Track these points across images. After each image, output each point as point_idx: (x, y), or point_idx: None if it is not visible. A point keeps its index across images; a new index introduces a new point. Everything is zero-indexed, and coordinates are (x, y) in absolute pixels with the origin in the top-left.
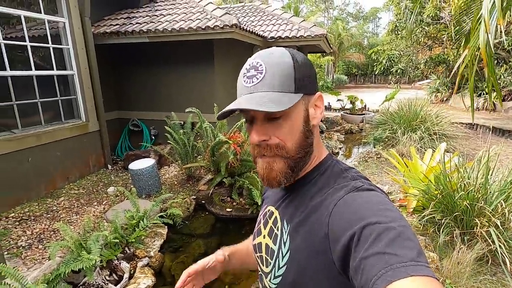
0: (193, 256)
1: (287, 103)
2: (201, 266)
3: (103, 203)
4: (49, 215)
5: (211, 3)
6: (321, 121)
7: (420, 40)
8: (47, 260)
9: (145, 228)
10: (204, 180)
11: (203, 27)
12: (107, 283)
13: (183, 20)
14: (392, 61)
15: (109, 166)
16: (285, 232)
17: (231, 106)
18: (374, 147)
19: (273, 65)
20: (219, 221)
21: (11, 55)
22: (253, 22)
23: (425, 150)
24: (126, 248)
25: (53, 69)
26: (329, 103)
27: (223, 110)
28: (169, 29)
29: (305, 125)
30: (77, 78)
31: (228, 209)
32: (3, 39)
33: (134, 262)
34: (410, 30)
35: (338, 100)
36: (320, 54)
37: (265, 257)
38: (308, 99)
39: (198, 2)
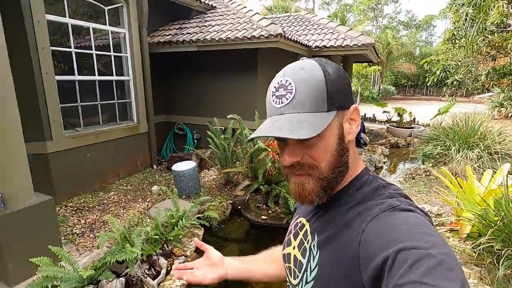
0: None
1: (319, 126)
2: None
3: (147, 200)
4: (100, 207)
5: (258, 13)
6: (365, 132)
7: (481, 49)
8: (96, 249)
9: (183, 228)
10: (242, 186)
11: (249, 36)
12: (146, 277)
13: (230, 30)
14: (448, 72)
15: (154, 166)
16: (315, 247)
17: (261, 133)
18: (423, 164)
19: (303, 82)
20: (254, 227)
21: (79, 62)
22: (298, 31)
23: (484, 170)
24: (165, 245)
25: (112, 75)
26: (374, 114)
27: (252, 136)
28: (217, 39)
29: (340, 142)
30: (132, 83)
31: (263, 217)
32: (75, 47)
33: (171, 259)
34: (471, 39)
35: (384, 112)
36: (366, 63)
37: (293, 268)
38: (342, 114)
39: (246, 13)
